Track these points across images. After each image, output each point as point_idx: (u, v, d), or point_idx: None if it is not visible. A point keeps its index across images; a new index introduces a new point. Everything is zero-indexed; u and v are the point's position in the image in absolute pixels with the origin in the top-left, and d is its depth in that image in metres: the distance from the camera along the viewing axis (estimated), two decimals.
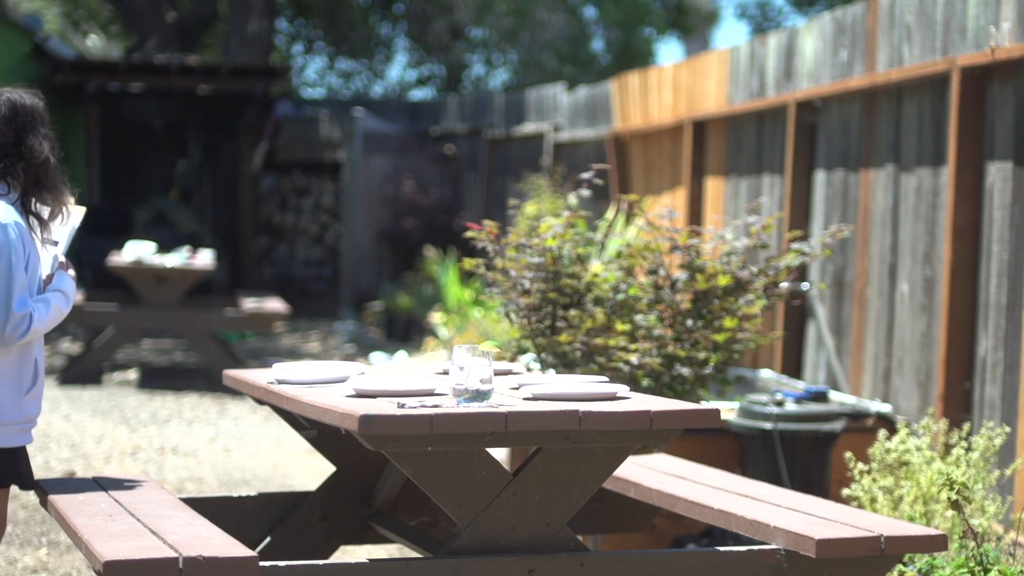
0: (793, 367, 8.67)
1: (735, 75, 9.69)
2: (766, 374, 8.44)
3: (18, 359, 4.43)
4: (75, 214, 4.75)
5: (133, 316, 12.21)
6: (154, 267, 12.12)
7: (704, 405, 4.97)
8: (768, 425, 6.51)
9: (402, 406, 3.85)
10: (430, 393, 4.12)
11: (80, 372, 12.19)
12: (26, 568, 6.45)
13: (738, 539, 5.17)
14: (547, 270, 6.44)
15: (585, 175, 6.98)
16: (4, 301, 4.32)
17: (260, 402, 4.77)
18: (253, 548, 4.92)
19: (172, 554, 3.73)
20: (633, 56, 23.94)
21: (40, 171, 4.44)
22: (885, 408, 7.11)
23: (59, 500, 4.44)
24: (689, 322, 6.45)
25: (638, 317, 6.44)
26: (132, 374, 12.95)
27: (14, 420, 4.41)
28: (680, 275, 6.57)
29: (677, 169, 10.77)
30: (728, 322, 6.37)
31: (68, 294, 4.55)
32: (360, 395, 4.07)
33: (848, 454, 5.80)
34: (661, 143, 11.21)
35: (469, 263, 6.64)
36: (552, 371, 6.43)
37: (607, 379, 4.52)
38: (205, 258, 12.71)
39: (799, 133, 8.69)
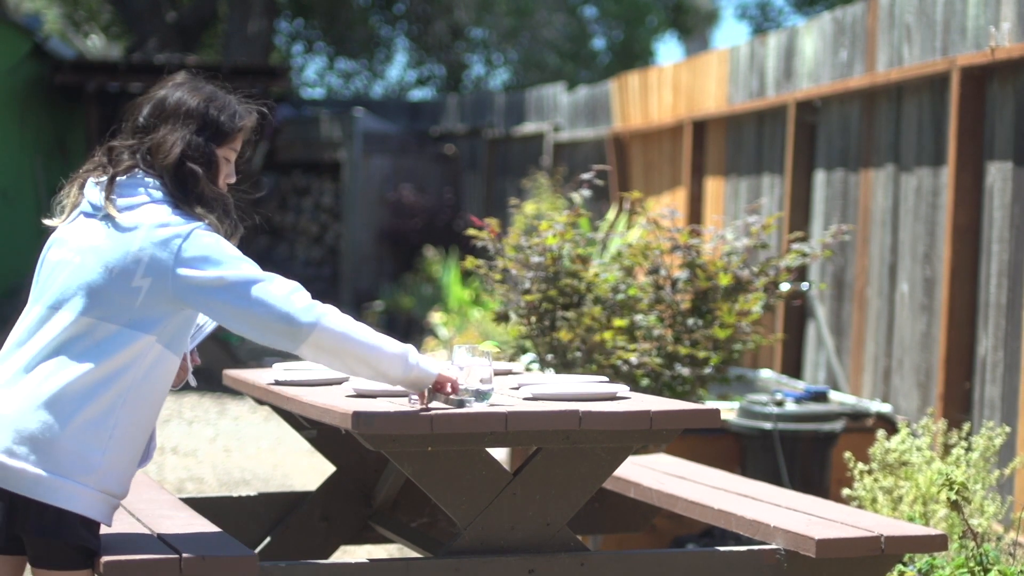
0: (793, 367, 8.67)
1: (735, 75, 9.69)
2: (766, 374, 8.44)
3: (145, 421, 3.58)
4: None
5: None
6: None
7: (704, 405, 4.96)
8: (768, 425, 6.51)
9: (402, 406, 3.85)
10: None
11: None
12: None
13: (738, 539, 5.16)
14: (547, 270, 6.44)
15: (585, 175, 6.98)
16: (261, 286, 3.49)
17: (260, 402, 4.77)
18: (253, 548, 4.92)
19: (172, 554, 3.73)
20: (633, 56, 23.94)
21: (178, 168, 3.59)
22: (885, 408, 7.11)
23: None
24: (690, 321, 6.45)
25: (638, 317, 6.44)
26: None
27: (117, 492, 3.58)
28: (680, 275, 6.57)
29: (677, 169, 10.76)
30: (728, 317, 6.37)
31: (412, 367, 3.66)
32: (360, 395, 4.07)
33: (848, 454, 5.80)
34: (661, 143, 11.21)
35: (471, 262, 6.63)
36: (552, 371, 6.43)
37: (607, 379, 4.52)
38: None
39: (799, 133, 8.69)
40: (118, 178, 3.58)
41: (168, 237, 3.48)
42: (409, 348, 3.66)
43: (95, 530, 3.57)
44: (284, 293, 3.48)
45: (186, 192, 3.57)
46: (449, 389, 3.75)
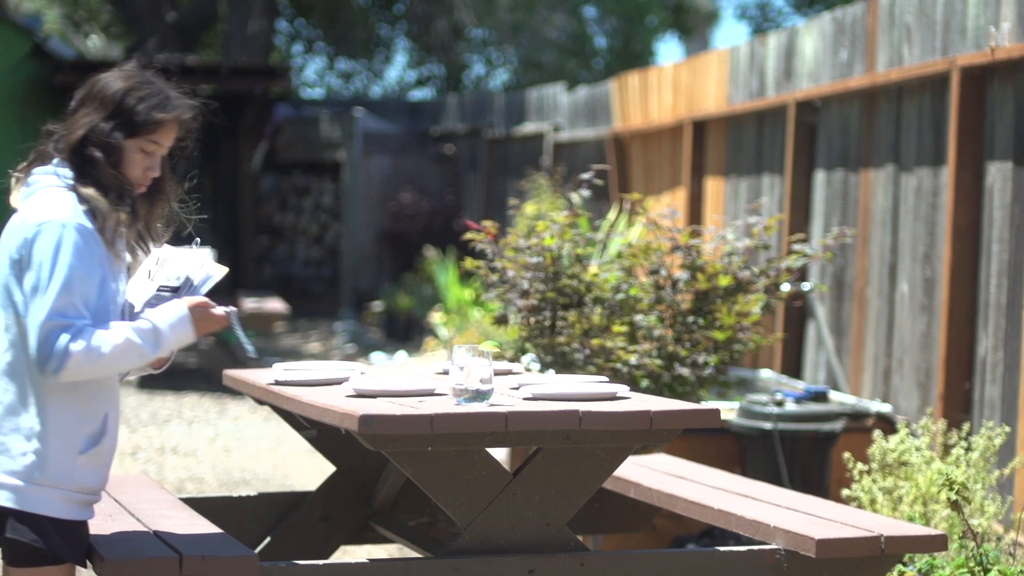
0: (793, 367, 8.67)
1: (735, 75, 9.69)
2: (766, 374, 8.44)
3: (76, 406, 3.51)
4: (211, 266, 3.78)
5: None
6: None
7: (704, 405, 4.96)
8: (768, 425, 6.51)
9: (402, 406, 3.85)
10: (430, 393, 4.12)
11: None
12: None
13: (738, 539, 5.16)
14: (546, 270, 6.43)
15: (585, 175, 6.98)
16: (38, 314, 3.40)
17: (260, 402, 4.77)
18: (253, 548, 4.92)
19: (172, 554, 3.73)
20: (634, 56, 23.94)
21: (77, 151, 3.52)
22: (885, 408, 7.11)
23: None
24: (690, 320, 6.45)
25: (639, 317, 6.44)
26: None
27: (59, 483, 3.47)
28: (681, 275, 6.57)
29: (677, 169, 10.76)
30: (727, 319, 6.37)
31: (160, 331, 3.53)
32: (360, 395, 4.07)
33: (847, 454, 5.80)
34: (661, 143, 11.20)
35: (471, 263, 6.63)
36: (552, 371, 6.43)
37: (607, 379, 4.51)
38: None
39: (799, 133, 8.69)
40: (34, 165, 3.56)
41: (29, 224, 3.44)
42: (146, 333, 3.51)
43: (44, 526, 3.46)
44: (52, 335, 3.38)
45: (83, 175, 3.50)
46: (218, 312, 3.62)
